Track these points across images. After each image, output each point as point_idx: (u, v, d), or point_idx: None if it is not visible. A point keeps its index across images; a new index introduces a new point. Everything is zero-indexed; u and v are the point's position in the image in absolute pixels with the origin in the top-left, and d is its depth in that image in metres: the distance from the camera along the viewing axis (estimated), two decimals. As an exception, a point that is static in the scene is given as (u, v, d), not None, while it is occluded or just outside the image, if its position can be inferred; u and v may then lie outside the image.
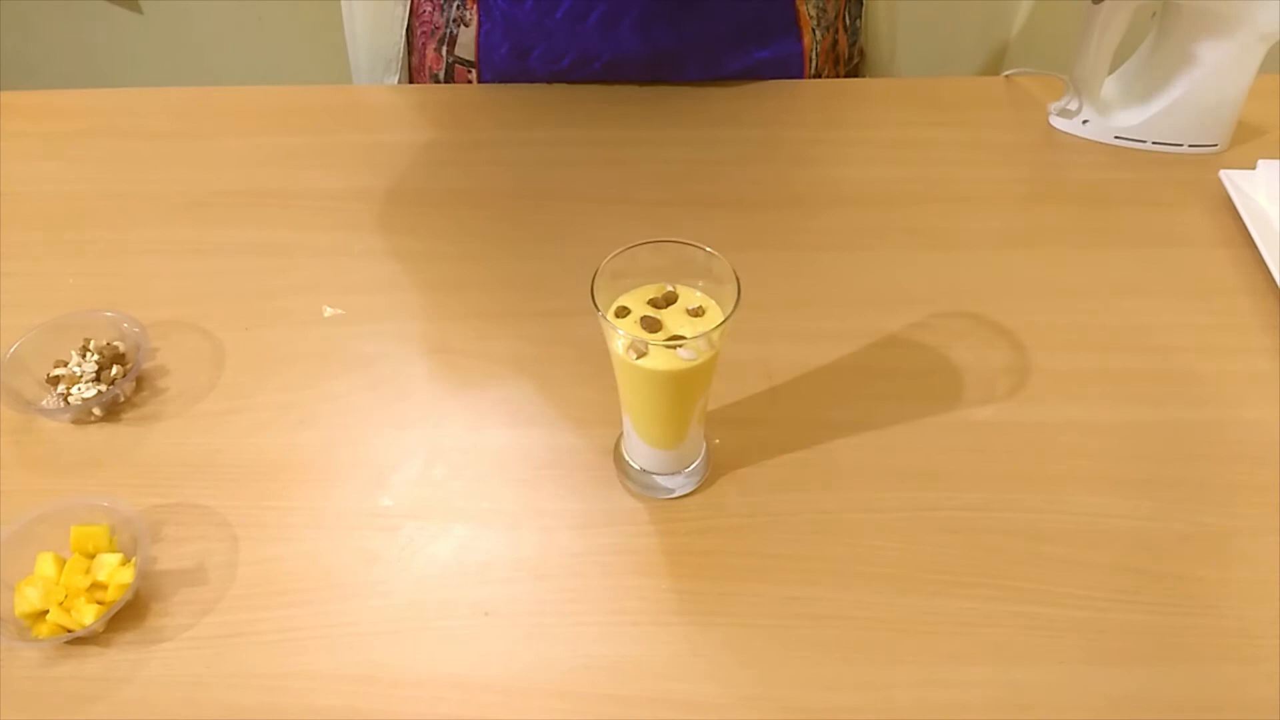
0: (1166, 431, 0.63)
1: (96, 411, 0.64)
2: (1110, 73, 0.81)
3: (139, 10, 1.64)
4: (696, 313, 0.53)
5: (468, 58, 0.89)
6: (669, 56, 0.86)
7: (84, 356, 0.65)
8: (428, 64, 0.91)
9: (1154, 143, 0.82)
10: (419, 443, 0.63)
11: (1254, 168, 0.76)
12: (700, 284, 0.53)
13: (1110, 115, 0.82)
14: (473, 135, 0.86)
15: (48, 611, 0.53)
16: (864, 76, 0.99)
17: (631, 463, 0.60)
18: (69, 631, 0.53)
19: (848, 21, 0.93)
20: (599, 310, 0.50)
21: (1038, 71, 0.89)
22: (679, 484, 0.60)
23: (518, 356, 0.68)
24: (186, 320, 0.70)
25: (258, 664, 0.53)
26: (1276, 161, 0.76)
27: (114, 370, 0.65)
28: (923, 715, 0.51)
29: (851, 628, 0.54)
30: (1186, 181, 0.79)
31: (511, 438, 0.63)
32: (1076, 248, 0.75)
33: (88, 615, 0.52)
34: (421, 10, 0.89)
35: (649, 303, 0.53)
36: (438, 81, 0.91)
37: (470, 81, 0.90)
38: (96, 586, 0.54)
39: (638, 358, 0.51)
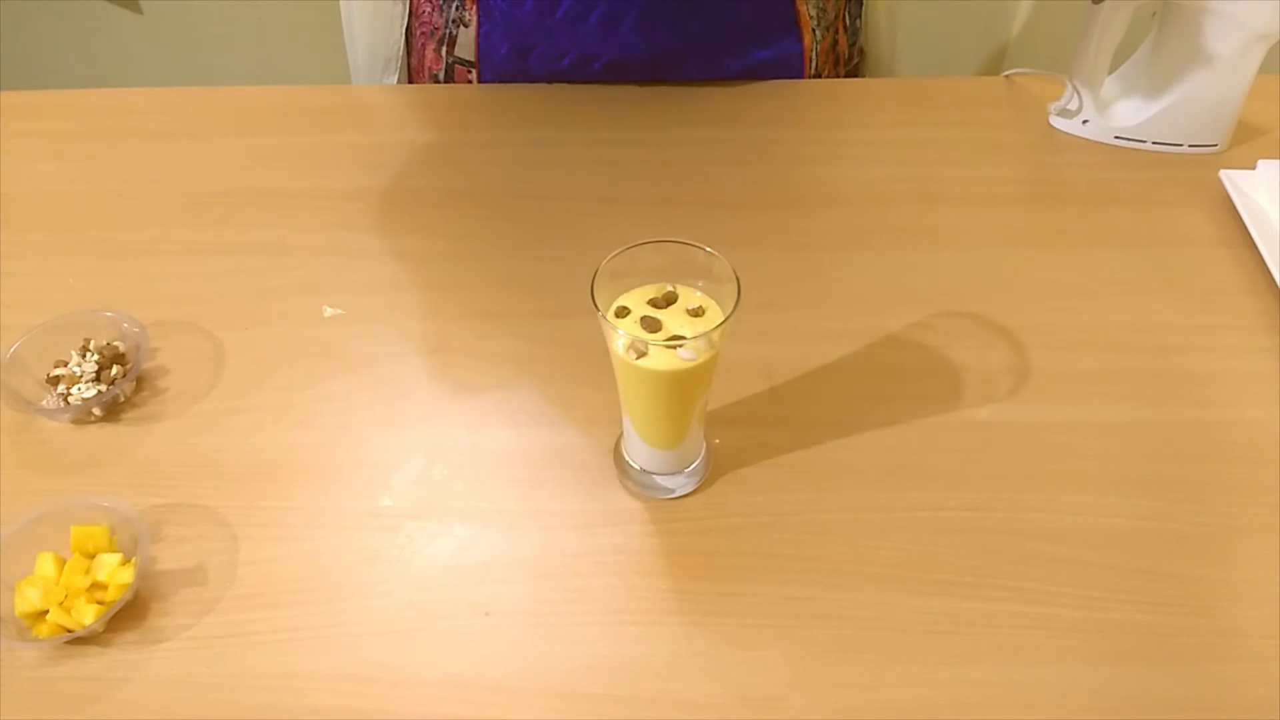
0: (1166, 431, 0.63)
1: (96, 411, 0.64)
2: (1110, 73, 0.81)
3: (139, 10, 1.64)
4: (696, 313, 0.53)
5: (467, 58, 0.89)
6: (669, 57, 0.86)
7: (84, 356, 0.65)
8: (427, 64, 0.91)
9: (1154, 143, 0.82)
10: (419, 443, 0.63)
11: (1254, 168, 0.76)
12: (700, 284, 0.53)
13: (1110, 115, 0.82)
14: (472, 135, 0.86)
15: (48, 611, 0.53)
16: (864, 76, 0.99)
17: (631, 463, 0.60)
18: (69, 631, 0.53)
19: (848, 21, 0.93)
20: (599, 310, 0.50)
21: (1038, 71, 0.89)
22: (679, 484, 0.60)
23: (518, 356, 0.68)
24: (186, 320, 0.70)
25: (258, 664, 0.53)
26: (1276, 161, 0.76)
27: (114, 370, 0.65)
28: (923, 715, 0.51)
29: (851, 628, 0.54)
30: (1186, 181, 0.79)
31: (511, 438, 0.63)
32: (1076, 248, 0.75)
33: (88, 615, 0.52)
34: (421, 11, 0.89)
35: (649, 303, 0.53)
36: (437, 82, 0.91)
37: (470, 81, 0.90)
38: (96, 586, 0.54)
39: (638, 358, 0.51)
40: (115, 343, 0.66)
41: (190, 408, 0.65)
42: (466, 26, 0.87)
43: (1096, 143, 0.83)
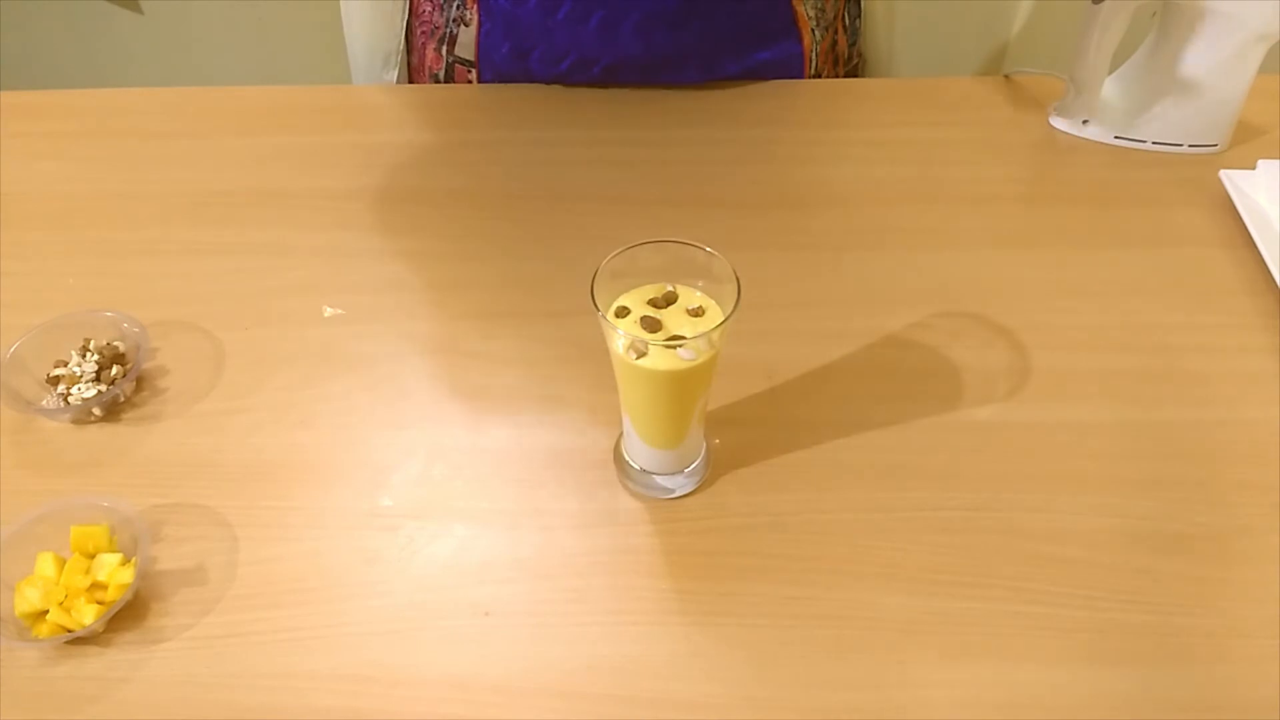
0: (1167, 431, 0.63)
1: (96, 411, 0.64)
2: (1110, 73, 0.81)
3: (139, 10, 1.64)
4: (696, 313, 0.53)
5: (467, 57, 0.89)
6: (668, 60, 0.86)
7: (84, 356, 0.65)
8: (427, 64, 0.91)
9: (1154, 143, 0.82)
10: (419, 443, 0.63)
11: (1254, 168, 0.76)
12: (700, 284, 0.53)
13: (1110, 115, 0.82)
14: (472, 135, 0.86)
15: (48, 611, 0.53)
16: (863, 76, 0.99)
17: (631, 463, 0.60)
18: (69, 631, 0.53)
19: (847, 22, 0.93)
20: (599, 310, 0.50)
21: (1038, 71, 0.89)
22: (679, 484, 0.60)
23: (518, 356, 0.68)
24: (186, 320, 0.70)
25: (258, 664, 0.53)
26: (1276, 161, 0.76)
27: (114, 370, 0.65)
28: (923, 715, 0.51)
29: (851, 628, 0.54)
30: (1186, 181, 0.79)
31: (511, 438, 0.63)
32: (1076, 248, 0.75)
33: (88, 615, 0.52)
34: (421, 10, 0.89)
35: (649, 303, 0.53)
36: (437, 81, 0.91)
37: (470, 81, 0.90)
38: (96, 586, 0.54)
39: (638, 358, 0.51)
40: (115, 343, 0.66)
41: (190, 408, 0.65)
42: (467, 26, 0.87)
43: (1096, 143, 0.83)
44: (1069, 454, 0.62)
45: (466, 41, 0.88)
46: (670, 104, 0.87)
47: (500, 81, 0.89)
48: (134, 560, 0.54)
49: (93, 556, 0.55)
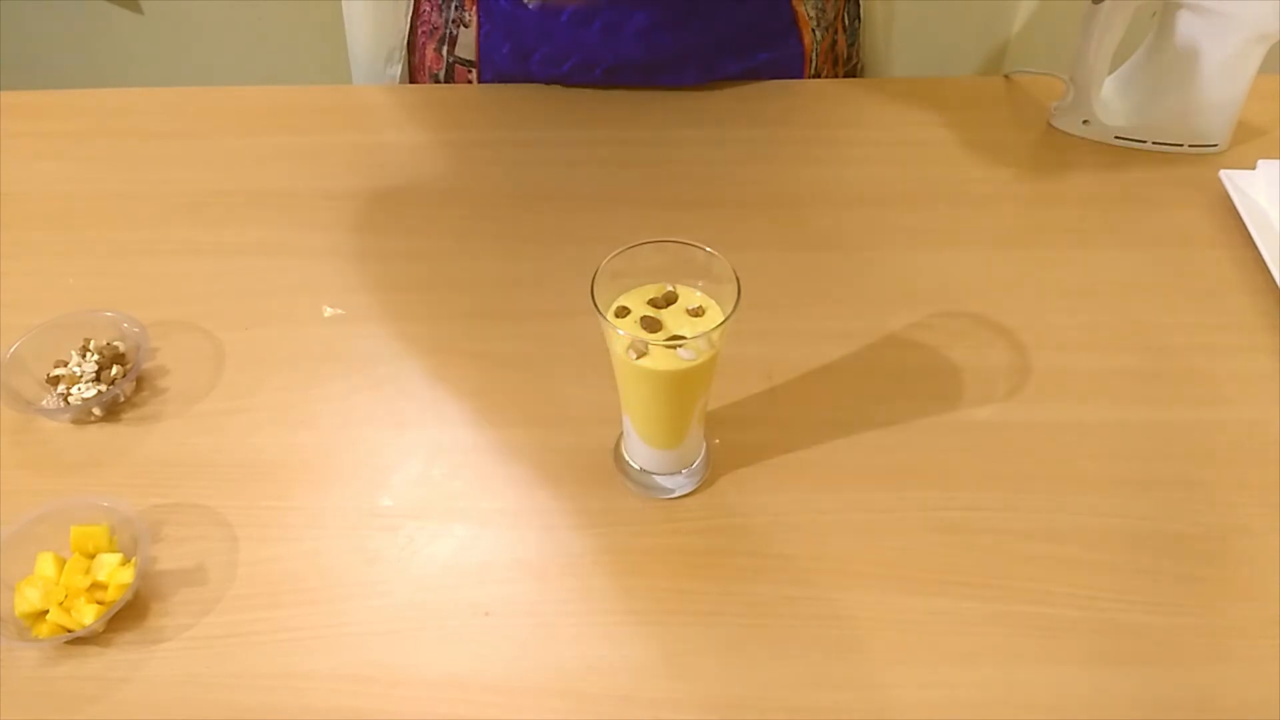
0: (1167, 431, 0.63)
1: (96, 411, 0.64)
2: (1110, 73, 0.81)
3: (139, 10, 1.64)
4: (696, 313, 0.53)
5: (468, 58, 0.89)
6: (670, 62, 0.86)
7: (84, 356, 0.65)
8: (428, 64, 0.91)
9: (1154, 143, 0.82)
10: (419, 443, 0.63)
11: (1254, 168, 0.76)
12: (700, 284, 0.53)
13: (1110, 115, 0.82)
14: (472, 135, 0.86)
15: (48, 611, 0.53)
16: (863, 76, 0.99)
17: (631, 463, 0.60)
18: (69, 631, 0.53)
19: (846, 22, 0.93)
20: (599, 310, 0.50)
21: (1038, 71, 0.89)
22: (679, 484, 0.60)
23: (518, 356, 0.68)
24: (186, 320, 0.70)
25: (258, 664, 0.53)
26: (1276, 161, 0.76)
27: (114, 370, 0.65)
28: (923, 715, 0.51)
29: (851, 628, 0.54)
30: (1186, 181, 0.79)
31: (511, 438, 0.63)
32: (1076, 248, 0.75)
33: (88, 615, 0.52)
34: (421, 10, 0.89)
35: (649, 303, 0.53)
36: (438, 81, 0.91)
37: (470, 81, 0.90)
38: (96, 586, 0.54)
39: (638, 358, 0.51)
40: (115, 343, 0.66)
41: (190, 408, 0.65)
42: (466, 27, 0.87)
43: (1096, 143, 0.83)
44: (1069, 454, 0.62)
45: (466, 42, 0.88)
46: (670, 104, 0.87)
47: (501, 82, 0.89)
48: (134, 560, 0.54)
49: (93, 556, 0.55)
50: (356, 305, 0.71)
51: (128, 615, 0.54)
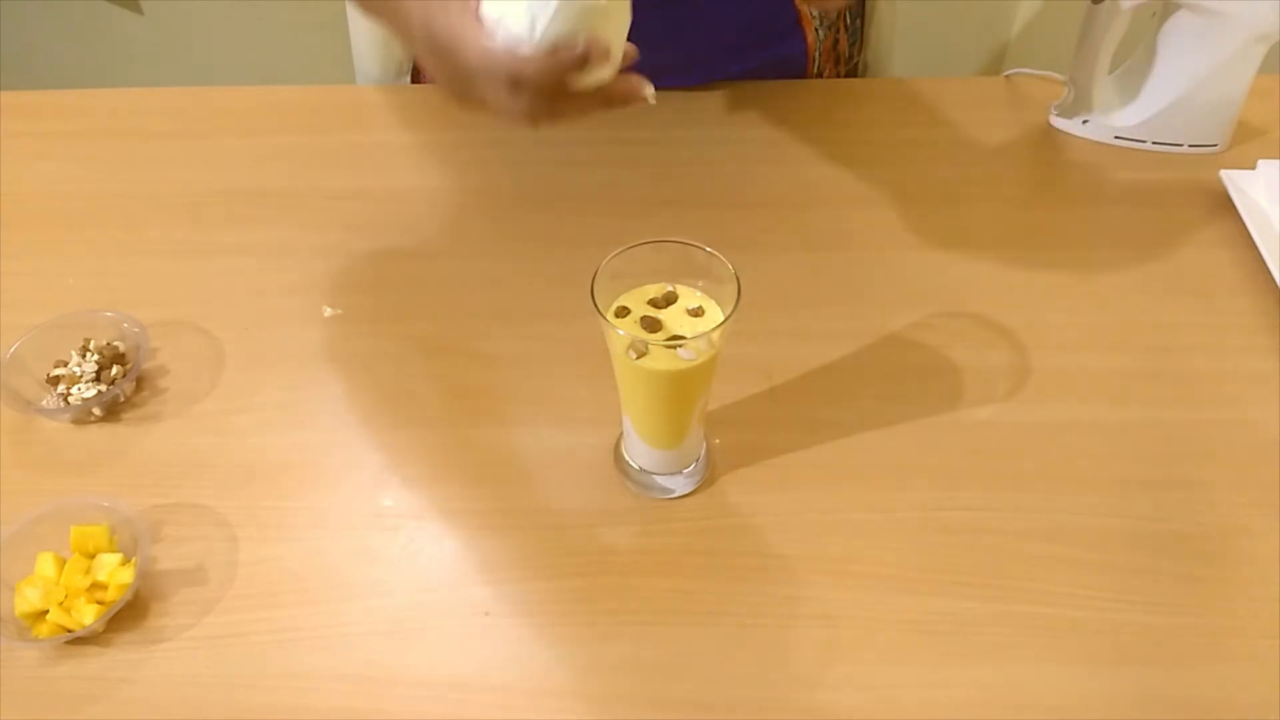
0: (1167, 431, 0.63)
1: (96, 411, 0.64)
2: (1110, 73, 0.81)
3: (139, 10, 1.64)
4: (696, 313, 0.53)
5: None
6: (676, 65, 0.86)
7: (84, 356, 0.65)
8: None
9: (1154, 143, 0.82)
10: (419, 443, 0.63)
11: (1254, 168, 0.76)
12: (700, 284, 0.53)
13: (1110, 115, 0.82)
14: (473, 135, 0.86)
15: (48, 611, 0.53)
16: (864, 76, 0.99)
17: (631, 463, 0.60)
18: (69, 631, 0.53)
19: (848, 21, 0.93)
20: (599, 310, 0.50)
21: (1038, 71, 0.89)
22: (679, 484, 0.60)
23: (518, 356, 0.68)
24: (186, 320, 0.70)
25: (258, 664, 0.53)
26: (1276, 161, 0.76)
27: (114, 370, 0.65)
28: (923, 715, 0.51)
29: (851, 628, 0.54)
30: (1186, 181, 0.79)
31: (512, 438, 0.63)
32: (1076, 248, 0.75)
33: (88, 615, 0.52)
34: None
35: (649, 303, 0.53)
36: (438, 81, 0.91)
37: None
38: (96, 586, 0.54)
39: (638, 358, 0.51)
40: (115, 343, 0.66)
41: (190, 408, 0.65)
42: None
43: (1096, 143, 0.83)
44: (1069, 454, 0.62)
45: None
46: (670, 104, 0.87)
47: None
48: (134, 560, 0.54)
49: (93, 556, 0.55)
50: (356, 305, 0.71)
51: (128, 615, 0.54)
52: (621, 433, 0.61)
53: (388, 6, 0.54)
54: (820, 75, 0.92)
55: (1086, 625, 0.54)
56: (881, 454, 0.62)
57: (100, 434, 0.64)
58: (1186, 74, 0.78)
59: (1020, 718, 0.51)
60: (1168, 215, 0.77)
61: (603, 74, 0.48)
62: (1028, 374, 0.66)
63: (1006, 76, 0.90)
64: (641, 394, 0.55)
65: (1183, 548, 0.57)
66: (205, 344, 0.69)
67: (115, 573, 0.54)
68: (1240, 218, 0.74)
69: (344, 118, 0.88)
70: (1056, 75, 0.87)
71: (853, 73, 0.97)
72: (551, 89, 0.47)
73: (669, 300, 0.53)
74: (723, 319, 0.51)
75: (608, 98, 0.49)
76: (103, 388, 0.64)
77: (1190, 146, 0.81)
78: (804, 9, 0.87)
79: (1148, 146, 0.82)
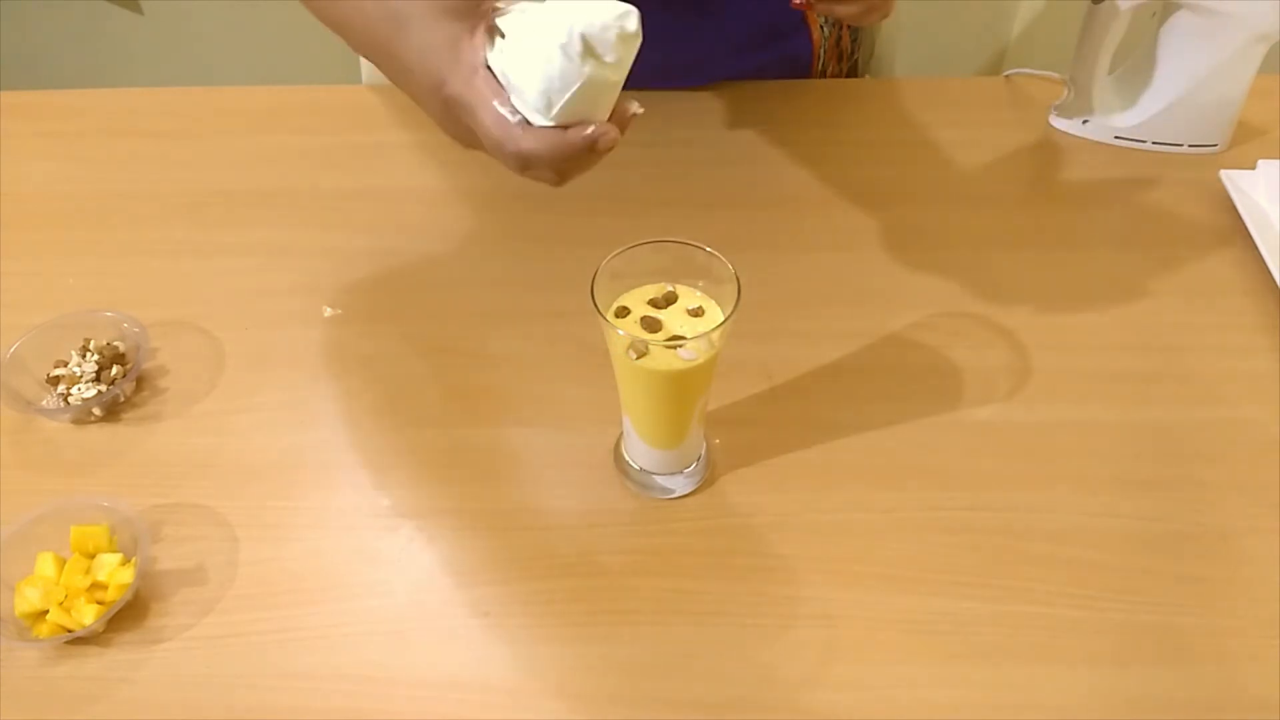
0: (1166, 431, 0.63)
1: (96, 411, 0.64)
2: (1110, 73, 0.81)
3: (139, 10, 1.64)
4: (696, 313, 0.53)
5: None
6: (686, 68, 0.86)
7: (84, 356, 0.65)
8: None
9: (1154, 143, 0.82)
10: (419, 443, 0.63)
11: (1254, 168, 0.76)
12: (700, 284, 0.53)
13: (1110, 115, 0.82)
14: (473, 135, 0.86)
15: (48, 611, 0.53)
16: (865, 72, 0.99)
17: (631, 463, 0.60)
18: (69, 631, 0.53)
19: None
20: (599, 310, 0.50)
21: (1038, 71, 0.89)
22: (679, 484, 0.60)
23: (518, 356, 0.68)
24: (186, 320, 0.70)
25: (258, 664, 0.53)
26: (1276, 161, 0.76)
27: (114, 370, 0.65)
28: (923, 715, 0.51)
29: (851, 628, 0.54)
30: (1186, 181, 0.79)
31: (511, 437, 0.63)
32: (1076, 248, 0.75)
33: (88, 615, 0.52)
34: None
35: (649, 303, 0.53)
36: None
37: None
38: (96, 586, 0.54)
39: (638, 358, 0.51)
40: (115, 343, 0.66)
41: (190, 408, 0.65)
42: None
43: (1096, 143, 0.83)
44: (1069, 454, 0.62)
45: None
46: (671, 104, 0.87)
47: None
48: (134, 560, 0.54)
49: (93, 556, 0.55)
50: (356, 305, 0.71)
51: (128, 615, 0.54)
52: (621, 433, 0.61)
53: (392, 65, 0.54)
54: (824, 71, 0.93)
55: (1086, 625, 0.54)
56: (881, 454, 0.62)
57: (100, 434, 0.64)
58: (1186, 74, 0.78)
59: (1020, 718, 0.51)
60: (1168, 215, 0.77)
61: (581, 109, 0.48)
62: (1028, 374, 0.66)
63: (1006, 76, 0.90)
64: (641, 394, 0.55)
65: (1183, 548, 0.57)
66: (205, 344, 0.69)
67: (115, 573, 0.54)
68: (1240, 218, 0.74)
69: (344, 118, 0.88)
70: (1056, 75, 0.87)
71: (853, 68, 0.98)
72: (560, 163, 0.47)
73: (669, 300, 0.53)
74: (723, 319, 0.51)
75: (608, 146, 0.49)
76: (103, 388, 0.64)
77: (1190, 146, 0.81)
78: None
79: (1148, 146, 0.82)
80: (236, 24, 1.63)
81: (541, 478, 0.61)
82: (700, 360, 0.51)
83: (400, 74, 0.54)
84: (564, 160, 0.47)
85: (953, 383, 0.65)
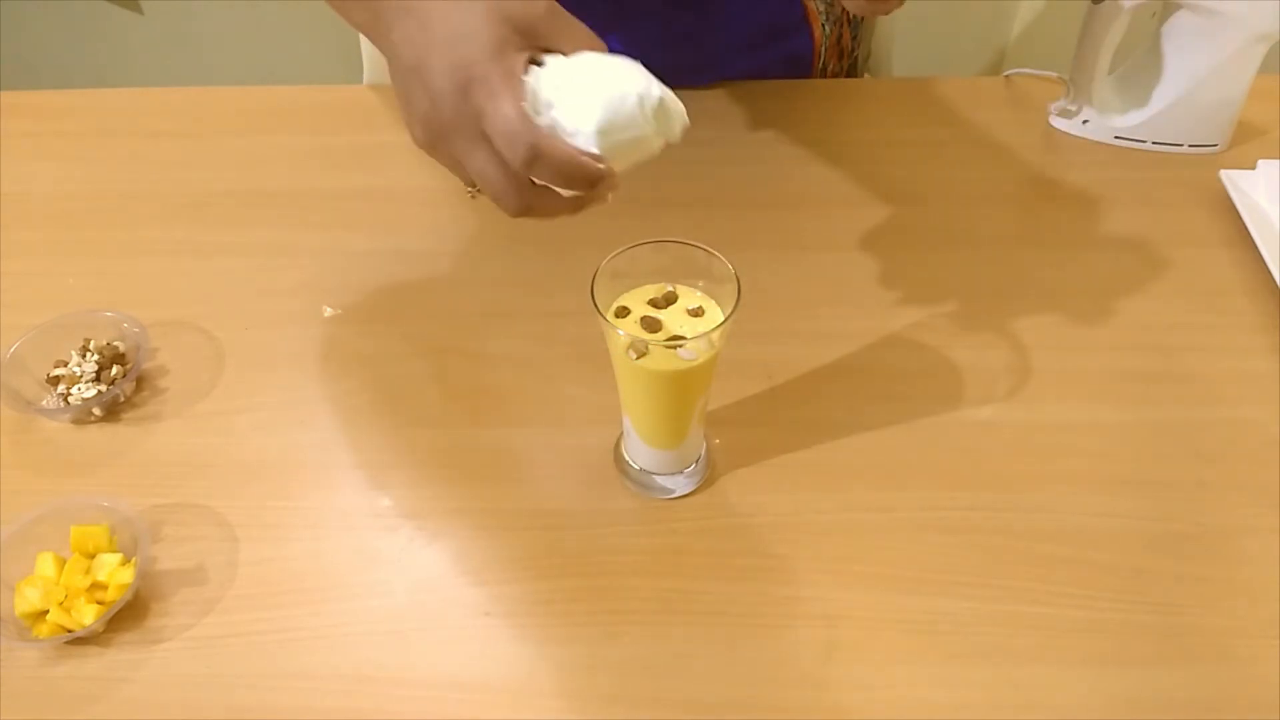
0: (1166, 431, 0.63)
1: (96, 411, 0.64)
2: (1110, 73, 0.81)
3: (139, 10, 1.64)
4: (696, 313, 0.53)
5: None
6: (689, 68, 0.86)
7: (84, 356, 0.65)
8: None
9: (1154, 143, 0.82)
10: (419, 443, 0.63)
11: (1254, 168, 0.76)
12: (700, 284, 0.53)
13: (1110, 115, 0.82)
14: (473, 135, 0.86)
15: (48, 611, 0.53)
16: (865, 69, 0.99)
17: (631, 463, 0.60)
18: (69, 631, 0.53)
19: (851, 15, 0.93)
20: (599, 310, 0.50)
21: (1038, 71, 0.89)
22: (679, 484, 0.60)
23: (518, 356, 0.68)
24: (186, 320, 0.70)
25: (258, 664, 0.53)
26: (1276, 161, 0.76)
27: (114, 370, 0.65)
28: (923, 715, 0.51)
29: (851, 628, 0.54)
30: (1186, 181, 0.79)
31: (511, 438, 0.63)
32: (1076, 248, 0.75)
33: (88, 615, 0.52)
34: None
35: (649, 303, 0.53)
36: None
37: None
38: (96, 586, 0.54)
39: (638, 358, 0.51)
40: (115, 343, 0.66)
41: (190, 408, 0.65)
42: None
43: (1096, 143, 0.83)
44: (1069, 454, 0.62)
45: None
46: (670, 104, 0.87)
47: None
48: (134, 560, 0.54)
49: (93, 556, 0.55)
50: (356, 305, 0.71)
51: (128, 615, 0.54)
52: (621, 433, 0.61)
53: (408, 21, 0.49)
54: (825, 69, 0.93)
55: (1086, 625, 0.54)
56: (881, 454, 0.62)
57: (100, 434, 0.64)
58: (1186, 74, 0.78)
59: (1020, 718, 0.51)
60: (1168, 215, 0.77)
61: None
62: (1028, 374, 0.66)
63: (1006, 76, 0.90)
64: (641, 394, 0.55)
65: (1183, 548, 0.57)
66: (205, 344, 0.69)
67: (115, 573, 0.54)
68: (1240, 218, 0.74)
69: (344, 118, 0.88)
70: (1056, 75, 0.87)
71: (853, 66, 0.98)
72: (565, 169, 0.45)
73: (669, 300, 0.53)
74: (723, 319, 0.51)
75: (580, 204, 0.48)
76: (103, 388, 0.64)
77: (1190, 146, 0.81)
78: (810, 4, 0.87)
79: (1148, 146, 0.82)
80: (236, 24, 1.63)
81: (541, 478, 0.61)
82: (700, 360, 0.51)
83: (417, 31, 0.48)
84: (570, 170, 0.45)
85: (953, 383, 0.65)
